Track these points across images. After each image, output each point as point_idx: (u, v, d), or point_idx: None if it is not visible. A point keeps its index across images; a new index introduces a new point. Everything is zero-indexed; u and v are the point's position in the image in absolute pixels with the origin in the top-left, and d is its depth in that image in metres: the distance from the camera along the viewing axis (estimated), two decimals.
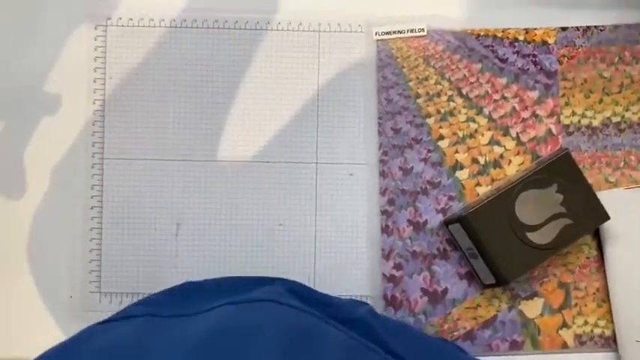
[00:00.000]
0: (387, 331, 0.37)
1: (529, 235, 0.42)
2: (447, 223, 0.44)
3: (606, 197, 0.43)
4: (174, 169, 0.45)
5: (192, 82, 0.45)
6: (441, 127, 0.45)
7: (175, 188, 0.45)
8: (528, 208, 0.42)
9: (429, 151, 0.45)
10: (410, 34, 0.46)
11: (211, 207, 0.45)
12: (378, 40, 0.46)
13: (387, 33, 0.45)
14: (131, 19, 0.45)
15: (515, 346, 0.44)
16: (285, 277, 0.41)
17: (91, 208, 0.44)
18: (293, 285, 0.39)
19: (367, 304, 0.42)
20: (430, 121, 0.45)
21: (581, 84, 0.46)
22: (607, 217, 0.43)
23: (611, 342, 0.44)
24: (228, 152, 0.45)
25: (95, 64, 0.45)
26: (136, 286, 0.44)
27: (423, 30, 0.46)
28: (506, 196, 0.42)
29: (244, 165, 0.45)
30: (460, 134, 0.45)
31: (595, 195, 0.43)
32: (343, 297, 0.43)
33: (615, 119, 0.46)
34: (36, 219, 0.44)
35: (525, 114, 0.46)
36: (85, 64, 0.45)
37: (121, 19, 0.45)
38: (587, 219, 0.42)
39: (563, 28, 0.46)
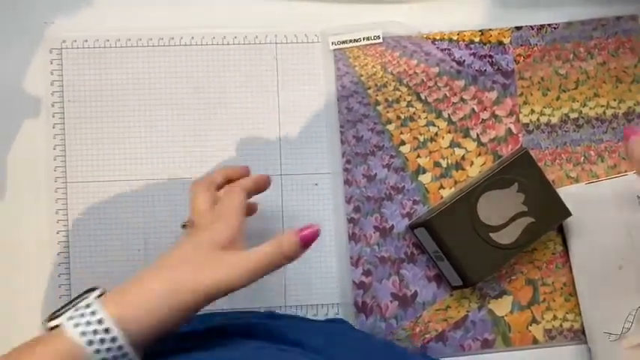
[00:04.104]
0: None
1: (492, 235, 0.42)
2: (412, 228, 0.44)
3: (568, 193, 0.44)
4: (138, 188, 0.45)
5: (151, 101, 0.45)
6: (401, 133, 0.46)
7: (140, 206, 0.44)
8: (490, 209, 0.42)
9: (392, 157, 0.46)
10: (366, 42, 0.46)
11: (177, 223, 0.44)
12: (334, 50, 0.46)
13: (344, 42, 0.46)
14: (86, 41, 0.45)
15: (486, 345, 0.45)
16: (256, 289, 0.41)
17: (57, 233, 0.44)
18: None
19: (343, 321, 0.43)
20: (391, 127, 0.46)
21: (538, 82, 0.47)
22: (568, 214, 0.43)
23: (580, 335, 0.45)
24: (192, 168, 0.45)
25: (52, 87, 0.45)
26: None
27: (378, 37, 0.46)
28: (468, 198, 0.42)
29: None
30: (421, 139, 0.46)
31: (555, 192, 0.43)
32: (314, 306, 0.44)
33: (573, 115, 0.47)
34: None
35: (484, 115, 0.46)
36: (42, 88, 0.45)
37: (75, 41, 0.45)
38: (548, 216, 0.43)
39: (518, 28, 0.47)
